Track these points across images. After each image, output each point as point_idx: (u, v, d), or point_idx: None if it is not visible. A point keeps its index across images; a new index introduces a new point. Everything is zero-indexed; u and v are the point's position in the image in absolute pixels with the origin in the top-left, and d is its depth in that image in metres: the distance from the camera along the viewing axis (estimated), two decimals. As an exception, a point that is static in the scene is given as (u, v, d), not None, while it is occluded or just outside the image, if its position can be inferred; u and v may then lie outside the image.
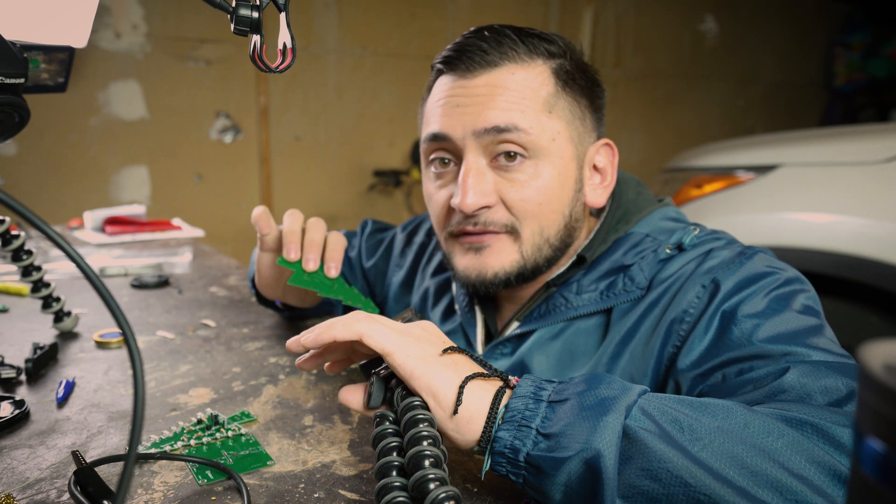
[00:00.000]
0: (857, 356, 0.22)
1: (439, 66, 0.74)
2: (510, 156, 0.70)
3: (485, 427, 0.49)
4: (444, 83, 0.73)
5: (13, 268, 0.89)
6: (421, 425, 0.47)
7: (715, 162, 2.13)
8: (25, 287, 1.08)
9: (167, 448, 0.59)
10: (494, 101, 0.69)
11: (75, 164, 2.83)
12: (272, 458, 0.59)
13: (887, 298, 1.66)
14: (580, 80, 0.74)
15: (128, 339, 0.32)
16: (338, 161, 3.48)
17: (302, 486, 0.54)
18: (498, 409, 0.49)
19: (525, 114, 0.69)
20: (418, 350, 0.51)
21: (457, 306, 0.85)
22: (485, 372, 0.52)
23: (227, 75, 3.09)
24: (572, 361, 0.73)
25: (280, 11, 0.49)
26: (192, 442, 0.61)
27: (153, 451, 0.59)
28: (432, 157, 0.75)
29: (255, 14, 0.47)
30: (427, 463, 0.45)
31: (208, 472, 0.55)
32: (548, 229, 0.72)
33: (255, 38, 0.49)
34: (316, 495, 0.53)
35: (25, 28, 0.63)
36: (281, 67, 0.50)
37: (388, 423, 0.50)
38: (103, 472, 0.54)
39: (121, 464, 0.56)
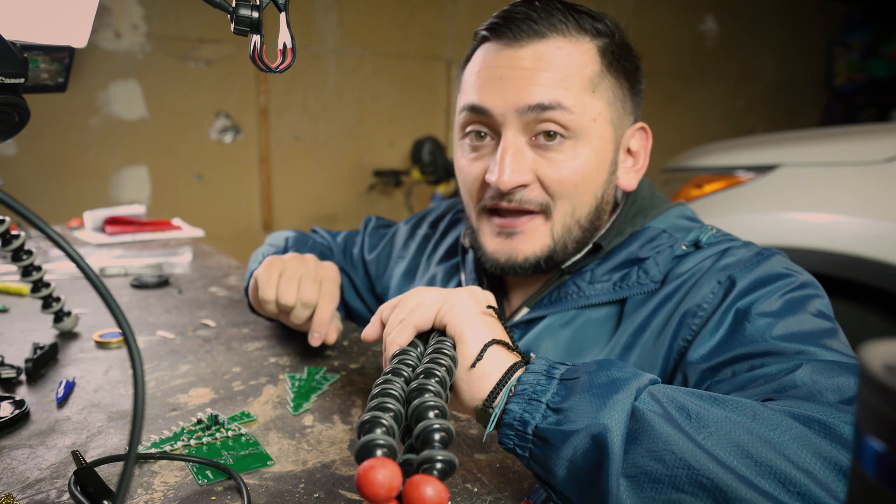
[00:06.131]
0: (857, 356, 0.22)
1: (484, 32, 0.72)
2: (550, 135, 0.69)
3: (493, 388, 0.50)
4: (487, 51, 0.72)
5: (13, 268, 0.89)
6: (443, 354, 0.49)
7: (715, 162, 2.13)
8: (25, 287, 1.08)
9: (167, 448, 0.59)
10: (539, 77, 0.68)
11: (75, 164, 2.83)
12: (272, 458, 0.59)
13: (887, 298, 1.66)
14: (624, 62, 0.73)
15: (128, 339, 0.32)
16: (338, 161, 3.48)
17: (302, 486, 0.54)
18: (512, 375, 0.50)
19: (570, 91, 0.68)
20: (465, 299, 0.54)
21: None
22: (510, 342, 0.53)
23: (227, 75, 3.09)
24: (581, 351, 0.72)
25: (280, 11, 0.49)
26: (192, 442, 0.61)
27: (153, 451, 0.59)
28: (469, 129, 0.74)
29: (255, 14, 0.47)
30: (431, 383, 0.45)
31: (208, 472, 0.55)
32: (579, 210, 0.72)
33: (255, 38, 0.49)
34: (316, 495, 0.53)
35: (25, 28, 0.63)
36: (281, 67, 0.50)
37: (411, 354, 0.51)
38: (103, 472, 0.54)
39: (121, 464, 0.56)
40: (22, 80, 0.57)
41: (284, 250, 0.95)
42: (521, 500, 0.53)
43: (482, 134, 0.73)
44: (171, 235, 1.82)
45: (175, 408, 0.69)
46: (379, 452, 0.38)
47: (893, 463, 0.19)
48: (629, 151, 0.77)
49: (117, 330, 0.91)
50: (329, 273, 0.84)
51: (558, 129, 0.69)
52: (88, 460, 0.56)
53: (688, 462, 0.43)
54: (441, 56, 3.71)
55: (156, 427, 0.64)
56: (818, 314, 0.61)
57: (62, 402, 0.69)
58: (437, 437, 0.40)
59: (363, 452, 0.38)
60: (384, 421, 0.41)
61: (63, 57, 0.65)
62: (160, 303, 1.11)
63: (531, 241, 0.72)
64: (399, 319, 0.55)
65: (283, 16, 0.49)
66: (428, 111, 3.73)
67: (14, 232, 0.85)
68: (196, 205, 3.11)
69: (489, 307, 0.56)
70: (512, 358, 0.52)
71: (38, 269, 0.89)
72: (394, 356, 0.50)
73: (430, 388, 0.44)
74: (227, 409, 0.69)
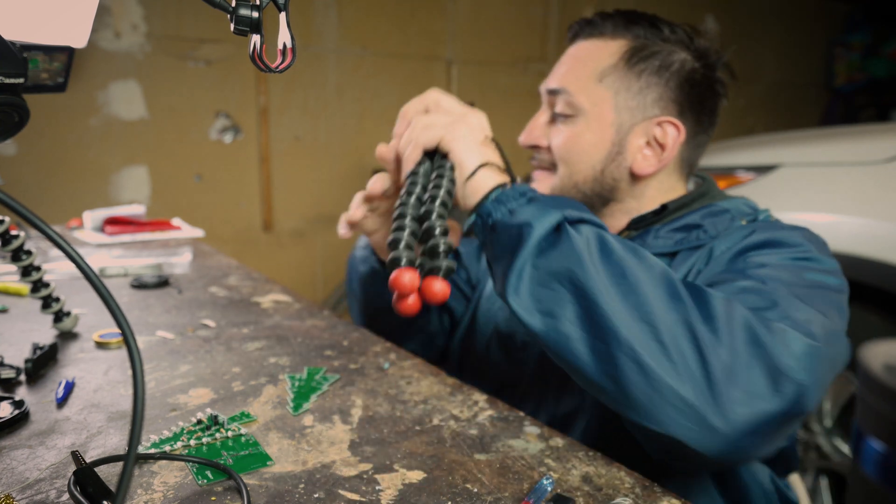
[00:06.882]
0: (857, 356, 0.22)
1: None
2: (561, 112, 0.85)
3: (481, 199, 0.67)
4: None
5: (13, 268, 0.89)
6: (444, 178, 0.67)
7: (715, 162, 2.13)
8: (25, 287, 1.08)
9: (167, 448, 0.59)
10: (562, 68, 0.86)
11: (75, 164, 2.83)
12: (272, 459, 0.59)
13: (887, 298, 1.66)
14: (665, 67, 0.82)
15: (128, 340, 0.32)
16: (338, 161, 3.48)
17: (302, 486, 0.54)
18: (498, 189, 0.66)
19: (578, 79, 0.84)
20: (465, 132, 0.69)
21: None
22: (501, 164, 0.70)
23: (227, 75, 3.09)
24: None
25: (280, 11, 0.49)
26: (192, 442, 0.60)
27: (153, 451, 0.59)
28: None
29: (255, 14, 0.47)
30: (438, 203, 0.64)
31: (208, 473, 0.55)
32: (576, 175, 0.85)
33: (255, 38, 0.49)
34: (316, 495, 0.53)
35: (25, 28, 0.63)
36: (281, 67, 0.50)
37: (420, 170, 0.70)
38: (103, 472, 0.54)
39: (120, 464, 0.56)
40: (22, 80, 0.56)
41: None
42: (521, 501, 0.53)
43: None
44: (171, 235, 1.82)
45: (175, 408, 0.69)
46: (403, 262, 0.59)
47: (893, 463, 0.19)
48: (657, 141, 0.83)
49: (117, 330, 0.91)
50: None
51: (563, 110, 0.84)
52: (88, 460, 0.56)
53: (571, 267, 0.59)
54: (441, 56, 3.70)
55: (155, 427, 0.64)
56: (812, 283, 0.64)
57: (62, 402, 0.69)
58: (441, 248, 0.59)
59: (392, 264, 0.59)
60: (404, 238, 0.61)
61: (63, 57, 0.65)
62: (160, 303, 1.11)
63: (539, 188, 0.88)
64: (410, 139, 0.71)
65: (282, 16, 0.49)
66: (428, 111, 3.72)
67: (14, 232, 0.85)
68: (196, 205, 3.11)
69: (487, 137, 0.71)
70: (502, 177, 0.68)
71: (38, 269, 0.89)
72: (407, 177, 0.69)
73: (435, 211, 0.63)
74: (226, 409, 0.69)
